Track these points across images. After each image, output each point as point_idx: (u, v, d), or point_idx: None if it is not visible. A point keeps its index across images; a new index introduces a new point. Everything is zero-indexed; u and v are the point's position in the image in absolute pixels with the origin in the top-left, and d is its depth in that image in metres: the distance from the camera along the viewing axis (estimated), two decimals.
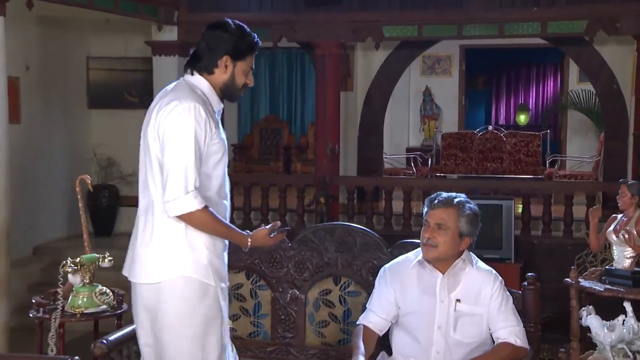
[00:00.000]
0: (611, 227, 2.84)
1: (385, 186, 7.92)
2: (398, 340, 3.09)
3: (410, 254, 3.16)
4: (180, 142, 2.63)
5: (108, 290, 3.73)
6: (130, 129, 8.80)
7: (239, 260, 3.49)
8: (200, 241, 2.72)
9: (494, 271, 3.08)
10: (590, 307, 2.89)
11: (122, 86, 8.86)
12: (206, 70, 2.77)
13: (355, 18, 7.56)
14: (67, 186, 8.22)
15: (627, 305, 2.75)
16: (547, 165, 9.88)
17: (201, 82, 2.77)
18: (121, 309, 3.74)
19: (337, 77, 7.93)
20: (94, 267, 3.72)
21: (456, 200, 3.03)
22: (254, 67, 2.85)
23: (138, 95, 8.84)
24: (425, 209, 3.08)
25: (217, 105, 2.81)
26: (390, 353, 3.15)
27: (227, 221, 2.82)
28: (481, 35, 7.67)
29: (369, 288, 3.35)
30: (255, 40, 2.82)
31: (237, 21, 2.84)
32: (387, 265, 3.18)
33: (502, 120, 15.02)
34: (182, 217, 2.64)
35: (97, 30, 8.72)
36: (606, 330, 2.80)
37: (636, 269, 2.76)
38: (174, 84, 2.81)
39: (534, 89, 15.06)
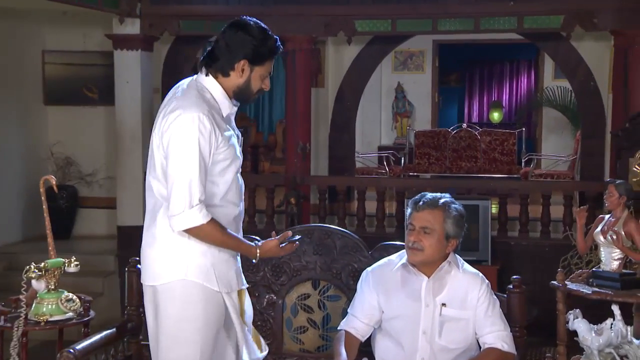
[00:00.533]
0: (599, 228, 2.88)
1: (358, 186, 7.95)
2: (381, 346, 3.10)
3: (394, 257, 3.17)
4: (184, 155, 2.65)
5: (74, 297, 3.68)
6: (90, 126, 8.83)
7: None
8: (204, 245, 2.74)
9: (480, 274, 3.09)
10: (577, 310, 2.93)
11: (80, 81, 8.74)
12: (222, 72, 2.76)
13: (327, 12, 7.57)
14: (22, 187, 8.10)
15: (615, 309, 2.79)
16: (523, 164, 10.00)
17: (213, 86, 2.77)
18: (88, 316, 3.70)
19: (307, 73, 7.94)
20: (59, 273, 3.67)
21: (441, 201, 3.04)
22: (271, 72, 2.84)
23: (97, 91, 8.74)
24: (409, 211, 3.08)
25: (228, 109, 2.80)
26: (372, 359, 3.16)
27: (239, 227, 2.85)
28: (457, 30, 7.74)
29: (349, 292, 3.36)
30: (277, 44, 2.80)
31: (259, 22, 2.81)
32: (369, 269, 3.18)
33: (475, 118, 15.17)
34: (188, 232, 2.68)
35: (53, 23, 8.60)
36: (594, 335, 2.84)
37: (624, 271, 2.80)
38: (186, 83, 2.82)
39: (508, 85, 15.23)
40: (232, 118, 2.87)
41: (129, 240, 7.96)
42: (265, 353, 2.94)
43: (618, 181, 2.90)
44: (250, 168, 10.86)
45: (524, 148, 10.44)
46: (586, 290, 2.80)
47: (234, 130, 2.84)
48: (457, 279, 3.04)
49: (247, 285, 2.95)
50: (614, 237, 2.78)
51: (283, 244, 2.83)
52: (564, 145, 10.74)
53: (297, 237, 2.89)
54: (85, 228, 8.68)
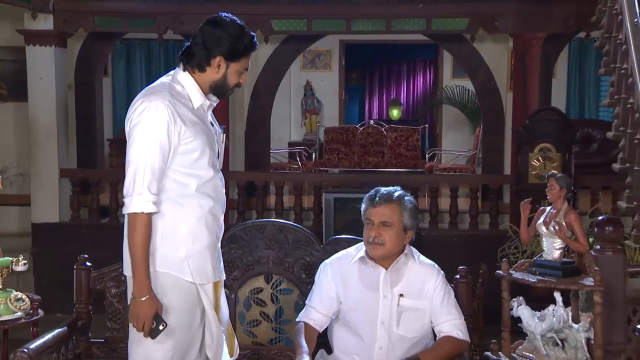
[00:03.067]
0: (541, 220, 2.97)
1: (276, 181, 7.92)
2: (339, 337, 3.10)
3: (352, 249, 3.17)
4: (137, 141, 2.66)
5: (24, 296, 3.50)
6: None
7: None
8: (177, 236, 2.70)
9: (436, 265, 3.14)
10: (521, 298, 3.02)
11: None
12: (198, 68, 2.75)
13: (245, 10, 7.44)
14: None
15: (557, 295, 2.89)
16: (427, 159, 10.24)
17: (187, 80, 2.76)
18: (37, 315, 3.53)
19: None
20: (7, 272, 3.47)
21: (396, 194, 3.06)
22: (248, 67, 2.83)
23: (7, 87, 8.38)
24: (364, 207, 3.08)
25: (199, 101, 2.77)
26: (328, 350, 3.16)
27: (217, 220, 2.83)
28: (369, 30, 7.83)
29: (301, 285, 3.35)
30: (253, 41, 2.79)
31: (236, 19, 2.79)
32: (328, 261, 3.17)
33: (375, 115, 15.38)
34: (128, 218, 2.65)
35: None
36: (537, 320, 2.93)
37: (564, 259, 2.91)
38: (163, 77, 2.82)
39: (406, 84, 15.55)
40: (207, 112, 2.84)
41: (45, 238, 7.67)
42: (235, 358, 2.89)
43: (559, 175, 2.99)
44: None
45: (427, 144, 10.69)
46: (531, 279, 2.88)
47: (208, 124, 2.81)
48: (414, 270, 3.07)
49: (224, 277, 2.89)
50: (557, 227, 2.88)
51: (156, 325, 2.64)
52: (462, 141, 11.07)
53: (161, 327, 2.67)
54: None
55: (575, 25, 7.39)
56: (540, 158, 7.14)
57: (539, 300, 3.21)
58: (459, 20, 7.62)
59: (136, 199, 2.64)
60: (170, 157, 2.69)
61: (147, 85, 2.85)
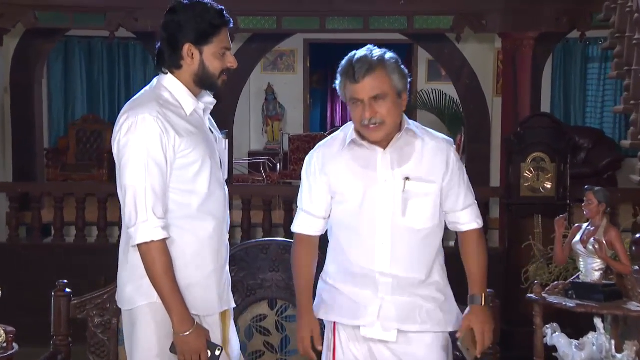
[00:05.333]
0: (577, 238, 3.00)
1: (242, 194, 7.87)
2: (333, 238, 2.90)
3: (337, 134, 2.93)
4: (129, 162, 2.60)
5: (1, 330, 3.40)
6: None
7: None
8: (178, 263, 2.64)
9: (445, 137, 2.90)
10: (555, 324, 3.04)
11: None
12: (173, 66, 2.70)
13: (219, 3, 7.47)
14: None
15: (598, 322, 2.90)
16: None
17: (172, 83, 2.71)
18: (12, 349, 3.42)
19: None
20: None
21: (375, 57, 2.74)
22: (230, 45, 2.74)
23: None
24: (341, 84, 2.77)
25: (192, 106, 2.70)
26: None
27: (222, 242, 2.76)
28: (345, 29, 7.89)
29: None
30: (221, 15, 2.70)
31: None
32: (313, 151, 2.94)
33: (339, 122, 15.40)
34: (139, 249, 2.61)
35: None
36: (574, 349, 2.94)
37: (605, 281, 2.93)
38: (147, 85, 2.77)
39: None
40: (204, 117, 2.78)
41: None
42: None
43: (596, 188, 3.03)
44: (108, 177, 10.52)
45: None
46: (570, 303, 2.89)
47: (207, 130, 2.76)
48: (419, 147, 2.79)
49: (234, 306, 2.86)
50: (597, 246, 2.90)
51: (209, 353, 2.64)
52: None
53: (218, 352, 2.68)
54: None
55: (569, 24, 7.56)
56: (532, 169, 7.24)
57: (566, 325, 3.25)
58: (443, 18, 7.73)
59: (142, 227, 2.58)
60: (168, 174, 2.64)
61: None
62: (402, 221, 2.76)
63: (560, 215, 3.12)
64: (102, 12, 7.56)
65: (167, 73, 2.72)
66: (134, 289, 2.68)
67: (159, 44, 2.74)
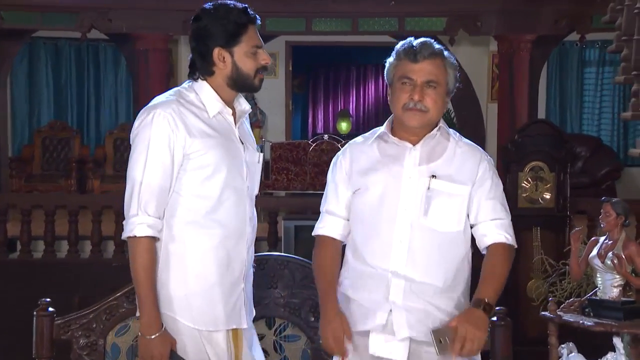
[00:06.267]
0: (594, 252, 3.00)
1: None
2: (352, 234, 2.90)
3: (367, 134, 2.96)
4: (135, 155, 2.68)
5: None
6: None
7: None
8: (180, 271, 2.68)
9: (481, 149, 2.91)
10: (572, 344, 3.04)
11: None
12: (206, 74, 2.74)
13: (187, 6, 7.41)
14: None
15: (617, 341, 2.90)
16: None
17: (200, 86, 2.76)
18: None
19: (162, 77, 7.81)
20: None
21: (437, 47, 2.78)
22: (260, 43, 2.77)
23: None
24: (396, 63, 2.79)
25: (216, 109, 2.73)
26: None
27: (231, 257, 2.76)
28: (332, 31, 7.90)
29: (309, 331, 3.28)
30: (245, 13, 2.73)
31: (219, 1, 2.76)
32: (346, 147, 2.97)
33: (320, 129, 15.41)
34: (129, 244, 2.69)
35: None
36: None
37: (624, 298, 2.92)
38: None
39: (356, 92, 15.66)
40: (237, 124, 2.81)
41: None
42: None
43: (614, 199, 3.04)
44: (76, 187, 10.45)
45: None
46: (588, 322, 2.88)
47: (233, 137, 2.77)
48: (451, 148, 2.82)
49: (245, 326, 2.82)
50: (615, 261, 2.90)
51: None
52: None
53: None
54: None
55: (568, 26, 7.61)
56: (530, 178, 7.25)
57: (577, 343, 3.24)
58: (436, 19, 7.76)
59: (131, 221, 2.65)
60: (177, 175, 2.68)
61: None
62: (424, 220, 2.75)
63: (577, 229, 3.11)
64: (74, 12, 7.51)
65: (197, 81, 2.77)
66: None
67: (191, 56, 2.79)
